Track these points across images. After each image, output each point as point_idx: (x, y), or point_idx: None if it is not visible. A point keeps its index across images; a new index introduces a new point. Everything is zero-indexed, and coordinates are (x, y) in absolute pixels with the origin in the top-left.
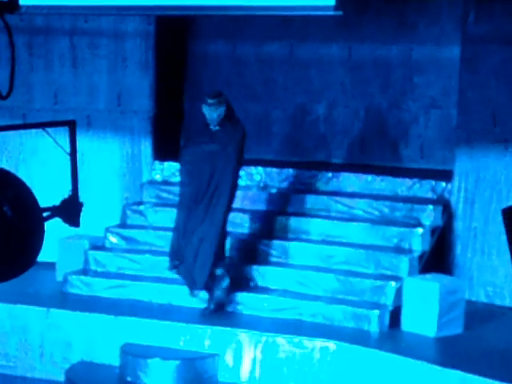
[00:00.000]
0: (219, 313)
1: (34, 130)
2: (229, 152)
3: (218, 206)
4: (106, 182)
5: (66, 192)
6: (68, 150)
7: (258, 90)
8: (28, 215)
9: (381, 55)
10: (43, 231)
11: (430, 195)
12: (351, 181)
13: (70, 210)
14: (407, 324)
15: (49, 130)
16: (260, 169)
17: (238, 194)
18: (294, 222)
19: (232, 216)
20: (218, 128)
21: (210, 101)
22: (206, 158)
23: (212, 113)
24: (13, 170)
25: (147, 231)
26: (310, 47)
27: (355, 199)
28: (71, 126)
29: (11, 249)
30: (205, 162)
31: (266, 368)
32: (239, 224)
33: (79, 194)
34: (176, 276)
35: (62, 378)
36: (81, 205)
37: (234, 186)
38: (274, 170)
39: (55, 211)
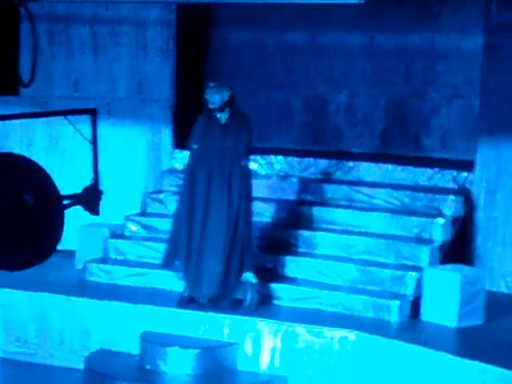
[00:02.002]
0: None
1: (54, 118)
2: (239, 148)
3: (235, 203)
4: (126, 170)
5: (86, 179)
6: (89, 138)
7: (280, 78)
8: (49, 203)
9: (403, 44)
10: (63, 219)
11: (451, 185)
12: (372, 170)
13: (90, 198)
14: (427, 314)
15: (69, 117)
16: (280, 158)
17: (259, 182)
18: (314, 211)
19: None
20: (226, 119)
21: (212, 84)
22: (217, 155)
23: (213, 95)
24: (33, 158)
25: (167, 219)
26: (331, 36)
27: (376, 189)
28: (92, 115)
29: (32, 236)
30: (216, 158)
31: (286, 357)
32: (259, 213)
33: (100, 182)
34: None
35: (81, 365)
36: (101, 193)
37: (249, 179)
38: (295, 159)
39: (76, 199)
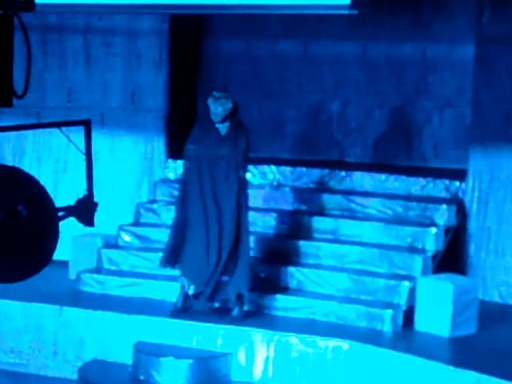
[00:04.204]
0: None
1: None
2: (236, 156)
3: (232, 209)
4: (119, 180)
5: (79, 190)
6: (83, 148)
7: (272, 88)
8: (43, 215)
9: (395, 54)
10: (58, 231)
11: (443, 194)
12: (365, 180)
13: (84, 210)
14: (421, 324)
15: (62, 128)
16: (273, 167)
17: (252, 192)
18: (307, 220)
19: None
20: (226, 130)
21: (217, 94)
22: (213, 162)
23: (217, 107)
24: (26, 168)
25: (160, 229)
26: (324, 45)
27: (368, 198)
28: (87, 126)
29: (26, 248)
30: (211, 165)
31: (279, 367)
32: (252, 223)
33: (94, 193)
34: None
35: (74, 376)
36: (95, 205)
37: (245, 188)
38: (288, 168)
39: (70, 211)
